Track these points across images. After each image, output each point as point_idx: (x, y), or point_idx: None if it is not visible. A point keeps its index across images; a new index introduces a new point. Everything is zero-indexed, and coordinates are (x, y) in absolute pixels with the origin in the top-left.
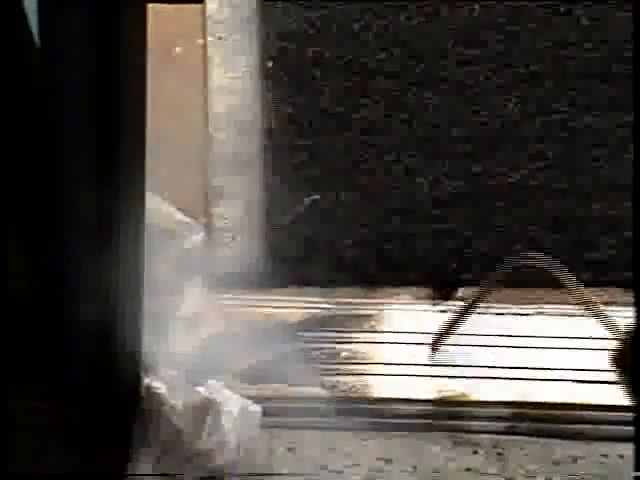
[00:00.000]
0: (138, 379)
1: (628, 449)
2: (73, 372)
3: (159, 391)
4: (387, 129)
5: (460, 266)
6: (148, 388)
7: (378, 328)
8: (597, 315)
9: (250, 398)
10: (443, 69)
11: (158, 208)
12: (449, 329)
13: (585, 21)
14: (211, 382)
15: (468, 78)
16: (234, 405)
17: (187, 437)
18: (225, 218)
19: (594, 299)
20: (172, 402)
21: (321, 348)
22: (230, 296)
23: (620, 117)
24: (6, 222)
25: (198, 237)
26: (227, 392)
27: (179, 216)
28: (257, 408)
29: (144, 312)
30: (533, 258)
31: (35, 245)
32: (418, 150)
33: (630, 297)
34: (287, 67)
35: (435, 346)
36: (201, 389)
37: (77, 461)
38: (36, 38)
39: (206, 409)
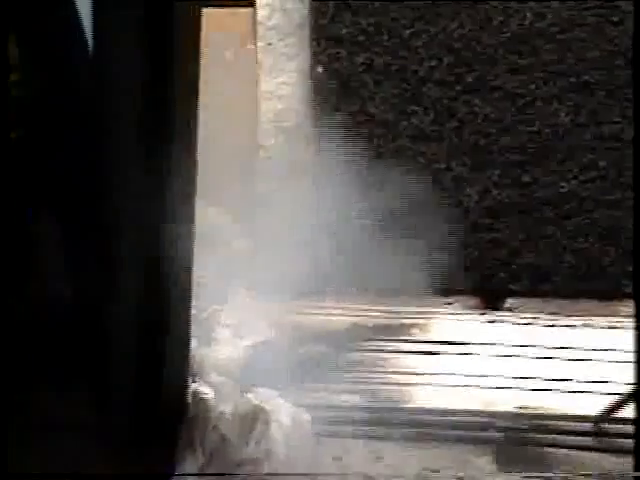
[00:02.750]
0: (186, 383)
1: None
2: (119, 376)
3: (207, 397)
4: (437, 137)
5: (509, 276)
6: (195, 394)
7: (426, 337)
8: None
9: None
10: (494, 77)
11: (205, 214)
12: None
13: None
14: (262, 390)
15: (519, 87)
16: (285, 414)
17: (234, 445)
18: (273, 223)
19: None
20: (220, 409)
21: (367, 356)
22: (277, 303)
23: None
24: (50, 221)
25: (244, 243)
26: (278, 400)
27: (225, 222)
28: (307, 417)
29: (192, 317)
30: None
31: (82, 247)
32: (468, 159)
33: None
34: (337, 73)
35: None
36: (251, 396)
37: (122, 466)
38: (90, 43)
39: (255, 417)
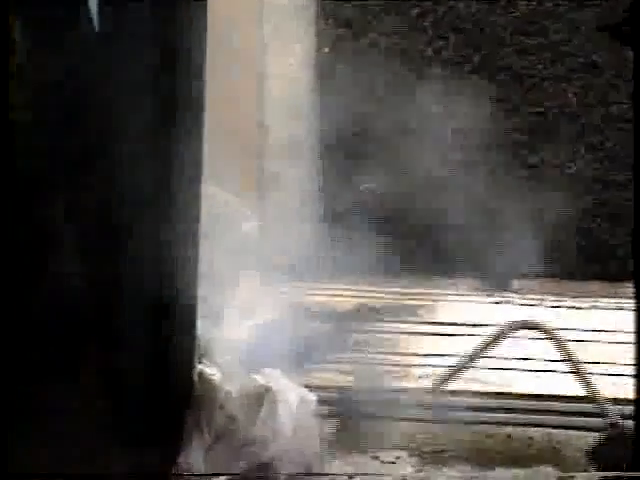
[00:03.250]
0: (192, 366)
1: None
2: (128, 359)
3: (213, 377)
4: (444, 117)
5: (516, 258)
6: (201, 374)
7: (429, 319)
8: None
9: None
10: (501, 58)
11: (214, 195)
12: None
13: None
14: (268, 370)
15: (526, 67)
16: (291, 394)
17: (241, 424)
18: (279, 204)
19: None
20: (227, 389)
21: (368, 338)
22: (284, 284)
23: None
24: (59, 208)
25: (253, 224)
26: (284, 381)
27: (234, 204)
28: (313, 397)
29: (199, 299)
30: None
31: (90, 233)
32: (475, 140)
33: None
34: (343, 54)
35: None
36: (257, 377)
37: (132, 453)
38: (96, 30)
39: (262, 397)
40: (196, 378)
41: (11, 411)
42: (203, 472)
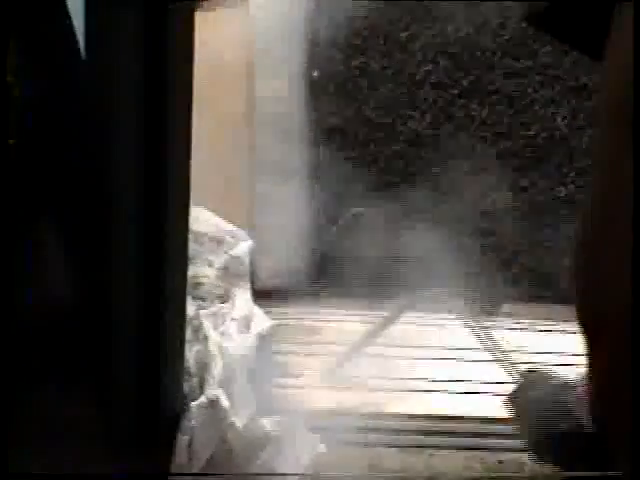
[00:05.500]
0: (180, 385)
1: None
2: (119, 376)
3: (222, 404)
4: (434, 141)
5: (507, 281)
6: (211, 399)
7: (416, 344)
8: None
9: None
10: (491, 81)
11: (207, 219)
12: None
13: None
14: (282, 420)
15: (516, 90)
16: (300, 447)
17: (238, 462)
18: (270, 227)
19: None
20: (232, 420)
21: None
22: (273, 306)
23: None
24: (47, 222)
25: (246, 245)
26: (295, 430)
27: (227, 225)
28: (323, 448)
29: (186, 318)
30: None
31: (79, 248)
32: (465, 163)
33: None
34: (333, 77)
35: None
36: (265, 421)
37: (120, 465)
38: (83, 46)
39: (266, 441)
40: (204, 401)
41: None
42: None
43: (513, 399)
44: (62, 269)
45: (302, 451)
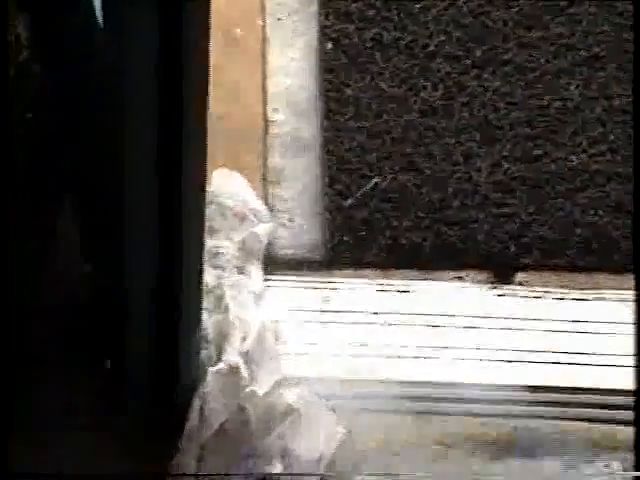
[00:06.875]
0: (197, 358)
1: None
2: (135, 345)
3: (240, 371)
4: (447, 112)
5: (520, 250)
6: (229, 367)
7: (431, 311)
8: None
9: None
10: (504, 52)
11: (236, 191)
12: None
13: None
14: (300, 390)
15: (529, 61)
16: (317, 422)
17: (254, 433)
18: (284, 200)
19: None
20: (252, 388)
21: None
22: (289, 277)
23: None
24: (62, 207)
25: (267, 226)
26: (316, 407)
27: (254, 201)
28: (341, 430)
29: (207, 287)
30: None
31: (93, 229)
32: (478, 133)
33: None
34: (346, 48)
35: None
36: (287, 392)
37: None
38: (101, 23)
39: (285, 415)
40: (222, 367)
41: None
42: (194, 471)
43: None
44: (77, 242)
45: (319, 432)
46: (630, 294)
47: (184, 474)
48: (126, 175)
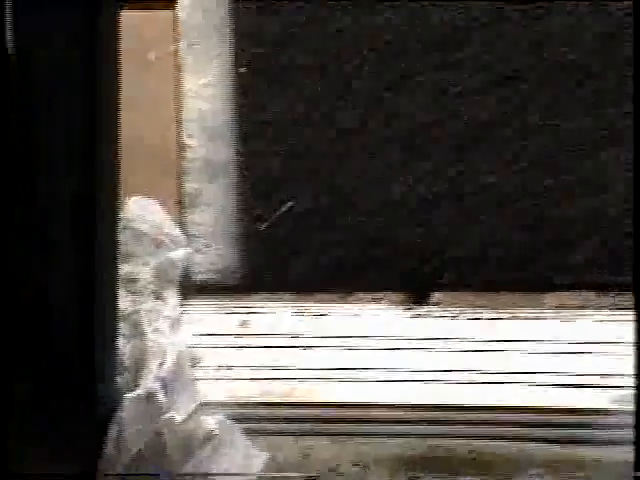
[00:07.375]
0: (113, 382)
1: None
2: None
3: (157, 398)
4: (364, 133)
5: (435, 270)
6: (145, 393)
7: (348, 333)
8: None
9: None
10: (419, 73)
11: (152, 217)
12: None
13: (563, 20)
14: (220, 417)
15: (446, 80)
16: (236, 450)
17: (172, 459)
18: (200, 225)
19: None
20: (171, 414)
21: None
22: (206, 302)
23: (601, 117)
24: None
25: (183, 252)
26: (235, 435)
27: (170, 227)
28: (262, 457)
29: (119, 312)
30: None
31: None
32: (396, 152)
33: (603, 300)
34: (261, 72)
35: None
36: (207, 418)
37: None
38: (10, 43)
39: (205, 441)
40: (139, 394)
41: None
42: None
43: None
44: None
45: (237, 456)
46: (543, 311)
47: (184, 475)
48: (38, 200)
